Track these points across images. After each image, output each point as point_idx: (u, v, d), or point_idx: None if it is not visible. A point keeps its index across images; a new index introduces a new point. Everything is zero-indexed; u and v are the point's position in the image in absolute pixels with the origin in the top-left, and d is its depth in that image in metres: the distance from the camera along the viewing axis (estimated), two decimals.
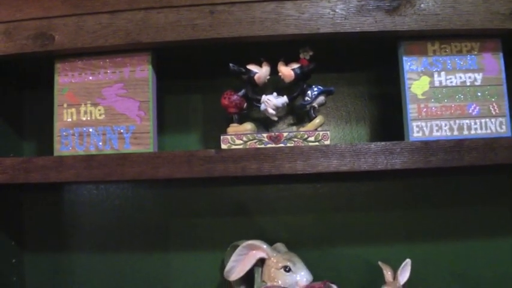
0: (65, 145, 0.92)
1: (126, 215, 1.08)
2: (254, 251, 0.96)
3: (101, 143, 0.91)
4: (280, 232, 1.05)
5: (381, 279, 0.95)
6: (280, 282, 0.92)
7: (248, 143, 0.88)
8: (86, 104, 0.92)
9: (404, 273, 0.94)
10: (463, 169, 1.04)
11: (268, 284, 0.93)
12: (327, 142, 0.87)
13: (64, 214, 1.09)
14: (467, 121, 0.90)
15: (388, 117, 1.05)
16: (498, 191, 1.06)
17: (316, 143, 0.87)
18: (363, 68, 1.07)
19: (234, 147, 0.87)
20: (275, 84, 0.95)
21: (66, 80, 0.93)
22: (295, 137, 0.87)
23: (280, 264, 0.93)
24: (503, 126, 0.90)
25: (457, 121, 0.90)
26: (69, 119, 0.92)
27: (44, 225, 1.09)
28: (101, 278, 1.07)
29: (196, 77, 1.06)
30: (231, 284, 1.00)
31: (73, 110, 0.92)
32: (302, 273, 0.93)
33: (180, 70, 1.03)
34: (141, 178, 0.87)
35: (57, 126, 0.92)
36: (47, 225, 1.09)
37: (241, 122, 0.91)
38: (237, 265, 0.97)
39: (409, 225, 1.06)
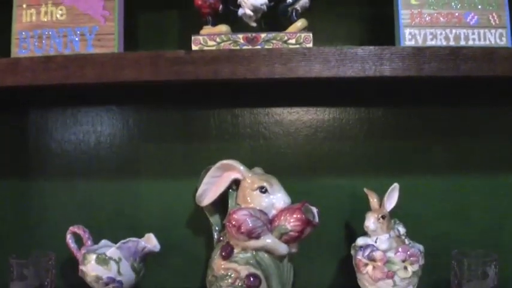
0: (23, 48, 0.84)
1: (94, 140, 1.00)
2: (228, 172, 0.88)
3: (61, 46, 0.83)
4: (259, 159, 0.97)
5: (366, 210, 0.87)
6: (255, 205, 0.84)
7: (222, 44, 0.79)
8: (46, 4, 0.84)
9: (391, 199, 0.87)
10: (459, 98, 0.97)
11: (243, 206, 0.85)
12: (309, 45, 0.79)
13: (30, 139, 1.00)
14: (464, 31, 0.82)
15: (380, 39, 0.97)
16: (497, 124, 0.98)
17: (297, 46, 0.79)
18: None
19: (206, 48, 0.79)
20: None
21: None
22: (274, 38, 0.79)
23: (255, 185, 0.85)
24: (503, 38, 0.83)
25: (454, 30, 0.82)
26: (28, 20, 0.84)
27: (8, 150, 1.01)
28: (68, 206, 0.99)
29: None
30: (205, 212, 0.93)
31: (33, 10, 0.84)
32: (279, 195, 0.85)
33: None
34: (102, 81, 0.79)
35: (16, 28, 0.85)
36: (11, 150, 1.01)
37: (215, 25, 0.83)
38: (210, 188, 0.89)
39: (398, 156, 0.98)
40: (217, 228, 0.92)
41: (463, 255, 0.87)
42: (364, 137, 0.98)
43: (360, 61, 0.77)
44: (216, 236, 0.91)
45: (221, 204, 0.92)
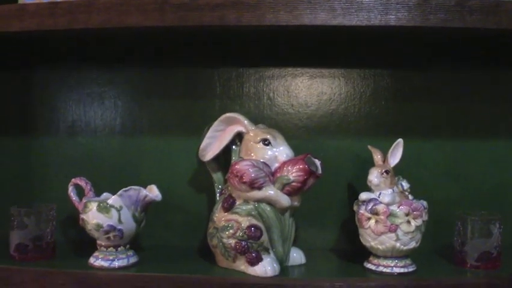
0: None
1: (97, 96, 1.00)
2: (232, 126, 0.88)
3: None
4: (262, 118, 0.97)
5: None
6: (258, 157, 0.84)
7: None
8: None
9: (395, 155, 0.86)
10: (462, 62, 0.96)
11: (245, 158, 0.85)
12: None
13: (35, 97, 1.01)
14: None
15: None
16: (501, 88, 0.97)
17: None
18: None
19: None
20: None
21: None
22: None
23: (258, 138, 0.85)
24: None
25: None
26: None
27: (13, 106, 1.01)
28: (71, 162, 1.00)
29: None
30: (208, 169, 0.92)
31: None
32: (281, 148, 0.85)
33: None
34: (108, 26, 0.79)
35: None
36: (16, 106, 1.01)
37: None
38: (213, 142, 0.89)
39: (402, 119, 0.97)
40: (220, 186, 0.91)
41: (467, 215, 0.86)
42: (368, 98, 0.98)
43: (365, 10, 0.77)
44: (218, 194, 0.91)
45: (224, 161, 0.91)
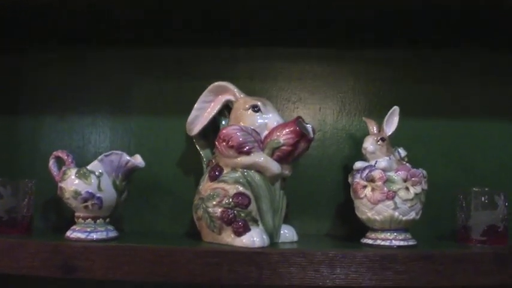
0: None
1: (85, 76, 0.97)
2: (220, 96, 0.85)
3: None
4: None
5: None
6: (247, 124, 0.80)
7: None
8: None
9: (391, 123, 0.82)
10: (466, 43, 0.94)
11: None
12: None
13: (22, 74, 0.99)
14: None
15: None
16: (502, 68, 0.94)
17: None
18: None
19: None
20: None
21: None
22: None
23: (248, 105, 0.82)
24: None
25: None
26: None
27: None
28: (63, 142, 0.96)
29: None
30: (196, 147, 0.88)
31: None
32: (271, 115, 0.81)
33: None
34: None
35: None
36: (2, 86, 0.99)
37: None
38: (201, 114, 0.86)
39: (400, 100, 0.93)
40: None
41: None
42: (363, 79, 0.95)
43: None
44: (205, 167, 0.86)
45: (213, 138, 0.87)
